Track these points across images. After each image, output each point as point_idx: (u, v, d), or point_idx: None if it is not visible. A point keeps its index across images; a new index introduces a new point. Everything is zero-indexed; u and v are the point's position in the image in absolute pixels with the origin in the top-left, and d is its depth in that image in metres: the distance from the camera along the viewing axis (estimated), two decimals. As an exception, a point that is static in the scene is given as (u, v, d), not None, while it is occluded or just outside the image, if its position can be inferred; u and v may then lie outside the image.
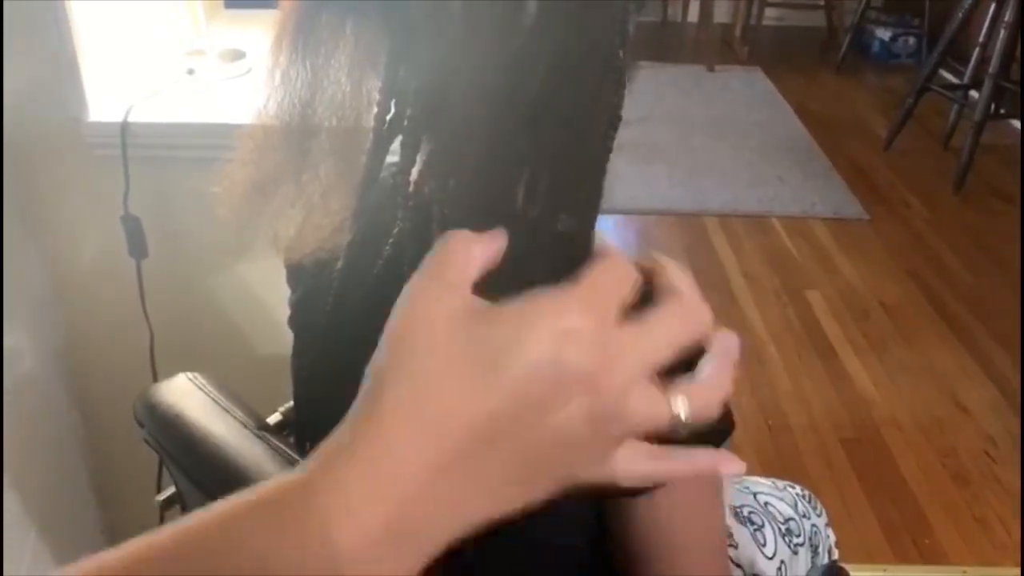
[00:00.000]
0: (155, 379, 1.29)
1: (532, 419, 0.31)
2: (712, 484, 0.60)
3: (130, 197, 1.18)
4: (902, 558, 1.69)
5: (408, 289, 0.34)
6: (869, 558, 1.68)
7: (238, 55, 1.32)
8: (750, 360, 2.22)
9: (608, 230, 2.80)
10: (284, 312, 0.71)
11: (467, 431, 0.31)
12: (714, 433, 0.58)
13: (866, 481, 1.86)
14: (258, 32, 0.51)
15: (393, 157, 0.52)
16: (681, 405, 0.33)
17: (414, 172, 0.50)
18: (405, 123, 0.48)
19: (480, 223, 0.48)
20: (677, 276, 0.34)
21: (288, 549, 0.30)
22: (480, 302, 0.32)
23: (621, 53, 0.48)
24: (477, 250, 0.35)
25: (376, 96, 0.48)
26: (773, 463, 1.90)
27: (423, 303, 0.33)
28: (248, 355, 1.32)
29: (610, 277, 0.33)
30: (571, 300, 0.32)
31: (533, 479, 0.33)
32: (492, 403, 0.31)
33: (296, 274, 0.68)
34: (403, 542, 0.31)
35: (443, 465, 0.30)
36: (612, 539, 0.61)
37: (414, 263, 0.52)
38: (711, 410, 0.34)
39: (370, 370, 0.33)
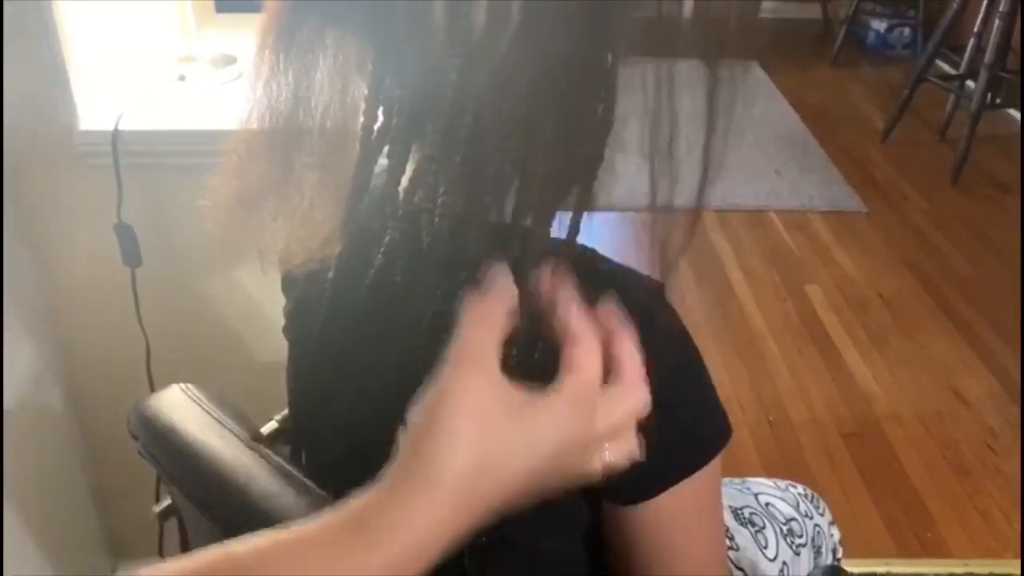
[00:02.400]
0: (151, 387, 1.29)
1: (532, 483, 0.44)
2: (712, 491, 0.59)
3: (123, 205, 1.18)
4: (905, 551, 1.69)
5: (451, 375, 0.43)
6: (872, 552, 1.68)
7: (229, 60, 1.31)
8: (750, 356, 2.22)
9: (605, 228, 2.79)
10: (280, 318, 0.70)
11: (490, 496, 0.43)
12: (711, 439, 0.57)
13: (867, 475, 1.86)
14: (250, 36, 0.50)
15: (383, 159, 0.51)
16: (607, 456, 0.47)
17: (403, 181, 0.49)
18: (392, 132, 0.48)
19: (471, 232, 0.48)
20: (630, 359, 0.46)
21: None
22: (505, 388, 0.43)
23: (610, 56, 0.47)
24: (495, 324, 0.44)
25: (361, 105, 0.48)
26: (774, 459, 1.90)
27: (466, 393, 0.42)
28: (245, 362, 1.31)
29: (592, 378, 0.45)
30: (574, 413, 0.44)
31: (516, 501, 0.45)
32: (509, 484, 0.43)
33: (289, 283, 0.67)
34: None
35: (466, 521, 0.42)
36: (610, 548, 0.61)
37: (405, 272, 0.52)
38: (625, 460, 0.47)
39: (407, 437, 0.43)
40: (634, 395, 0.46)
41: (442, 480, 0.41)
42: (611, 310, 0.47)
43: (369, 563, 0.40)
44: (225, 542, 0.42)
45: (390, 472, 0.42)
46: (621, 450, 0.46)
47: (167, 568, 0.41)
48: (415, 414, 0.43)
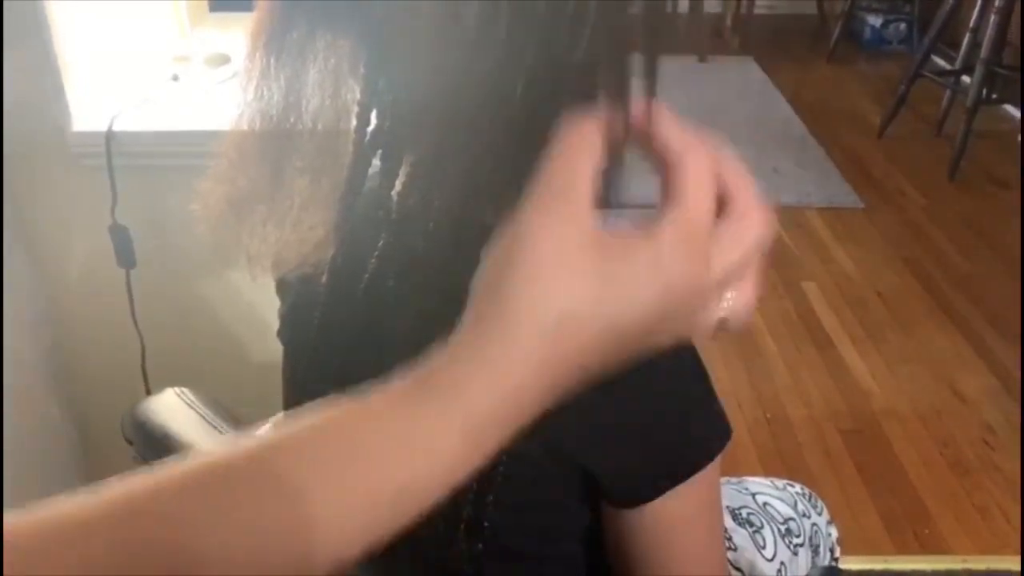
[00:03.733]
0: (147, 389, 1.28)
1: (625, 350, 0.37)
2: (711, 491, 0.59)
3: (117, 207, 1.17)
4: (902, 549, 1.69)
5: (534, 209, 0.36)
6: (869, 550, 1.68)
7: (223, 59, 1.31)
8: (748, 353, 2.21)
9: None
10: (275, 319, 0.70)
11: (578, 353, 0.36)
12: (711, 441, 0.57)
13: (865, 472, 1.86)
14: (244, 35, 0.50)
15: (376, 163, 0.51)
16: (727, 305, 0.39)
17: (397, 185, 0.49)
18: (386, 135, 0.47)
19: (466, 236, 0.47)
20: (744, 185, 0.39)
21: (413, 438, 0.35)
22: (598, 228, 0.36)
23: (604, 56, 0.47)
24: (593, 152, 0.37)
25: (353, 108, 0.47)
26: (772, 456, 1.90)
27: (550, 230, 0.35)
28: (240, 363, 1.31)
29: (704, 210, 0.37)
30: (684, 255, 0.36)
31: (614, 363, 0.38)
32: (603, 340, 0.36)
33: (283, 287, 0.67)
34: (503, 426, 0.36)
35: (551, 382, 0.36)
36: (609, 551, 0.61)
37: (400, 277, 0.52)
38: (748, 307, 0.40)
39: (480, 283, 0.37)
40: (754, 224, 0.38)
41: (522, 328, 0.34)
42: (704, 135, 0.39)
43: (444, 430, 0.34)
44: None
45: (460, 326, 0.36)
46: (741, 298, 0.39)
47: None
48: (489, 256, 0.37)
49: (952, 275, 2.57)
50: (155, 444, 0.65)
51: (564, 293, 0.35)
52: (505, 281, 0.35)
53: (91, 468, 1.43)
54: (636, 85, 0.42)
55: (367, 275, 0.52)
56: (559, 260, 0.35)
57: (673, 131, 0.38)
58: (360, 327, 0.56)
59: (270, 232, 0.51)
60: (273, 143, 0.50)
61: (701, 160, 0.37)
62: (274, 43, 0.48)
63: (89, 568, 0.32)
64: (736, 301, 0.39)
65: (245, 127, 0.49)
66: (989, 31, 2.99)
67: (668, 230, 0.36)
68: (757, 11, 4.55)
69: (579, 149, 0.37)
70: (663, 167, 0.38)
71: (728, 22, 4.55)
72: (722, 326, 0.39)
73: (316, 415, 0.36)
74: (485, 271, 0.37)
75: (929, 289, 2.50)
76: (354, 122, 0.47)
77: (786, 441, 1.94)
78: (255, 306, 1.27)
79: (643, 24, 0.44)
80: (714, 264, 0.37)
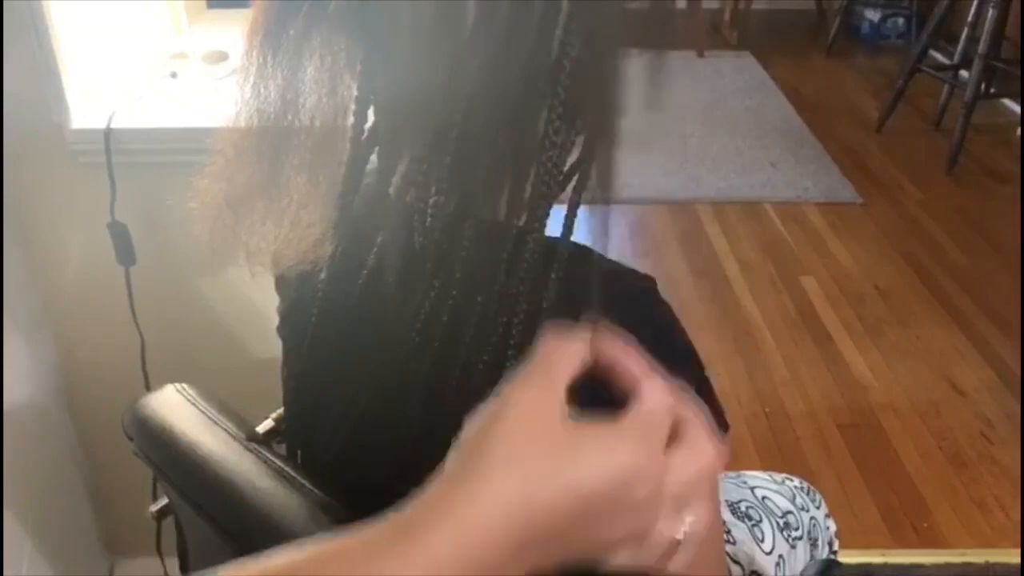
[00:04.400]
0: (147, 386, 1.28)
1: (585, 526, 0.40)
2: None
3: (116, 204, 1.17)
4: (901, 542, 1.70)
5: (518, 388, 0.42)
6: (868, 543, 1.69)
7: (221, 56, 1.31)
8: (746, 348, 2.22)
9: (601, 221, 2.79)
10: (276, 316, 0.70)
11: (543, 515, 0.39)
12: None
13: (864, 466, 1.86)
14: (242, 32, 0.50)
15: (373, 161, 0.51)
16: (687, 527, 0.42)
17: (394, 181, 0.49)
18: (383, 131, 0.48)
19: (463, 232, 0.48)
20: (697, 416, 0.44)
21: None
22: (570, 412, 0.41)
23: (601, 51, 0.47)
24: (576, 357, 0.43)
25: (351, 105, 0.47)
26: (770, 450, 1.90)
27: (529, 405, 0.41)
28: (240, 360, 1.31)
29: (661, 412, 0.42)
30: (640, 439, 0.41)
31: (562, 555, 0.41)
32: (563, 506, 0.39)
33: (283, 284, 0.67)
34: None
35: (517, 540, 0.39)
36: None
37: (398, 273, 0.52)
38: (704, 534, 0.43)
39: (467, 437, 0.41)
40: (706, 450, 0.43)
41: (488, 493, 0.39)
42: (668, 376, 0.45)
43: (411, 560, 0.38)
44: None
45: (438, 478, 0.41)
46: (699, 521, 0.42)
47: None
48: (473, 420, 0.41)
49: (950, 269, 2.57)
50: (156, 440, 0.66)
51: (533, 459, 0.39)
52: (483, 444, 0.40)
53: (91, 465, 1.43)
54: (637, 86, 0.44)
55: (365, 271, 0.53)
56: (533, 430, 0.40)
57: (637, 362, 0.44)
58: (358, 323, 0.56)
59: (268, 230, 0.51)
60: (270, 140, 0.50)
61: (659, 380, 0.43)
62: (271, 41, 0.48)
63: None
64: (694, 525, 0.42)
65: (242, 124, 0.50)
66: (987, 25, 2.99)
67: (629, 418, 0.42)
68: (755, 6, 4.55)
69: (561, 353, 0.43)
70: (627, 388, 0.43)
71: (726, 17, 4.55)
72: (687, 539, 0.42)
73: (299, 550, 0.40)
74: (468, 433, 0.41)
75: (927, 283, 2.51)
76: (351, 119, 0.48)
77: (784, 435, 1.95)
78: (255, 302, 1.27)
79: (643, 21, 0.45)
80: (669, 479, 0.41)
